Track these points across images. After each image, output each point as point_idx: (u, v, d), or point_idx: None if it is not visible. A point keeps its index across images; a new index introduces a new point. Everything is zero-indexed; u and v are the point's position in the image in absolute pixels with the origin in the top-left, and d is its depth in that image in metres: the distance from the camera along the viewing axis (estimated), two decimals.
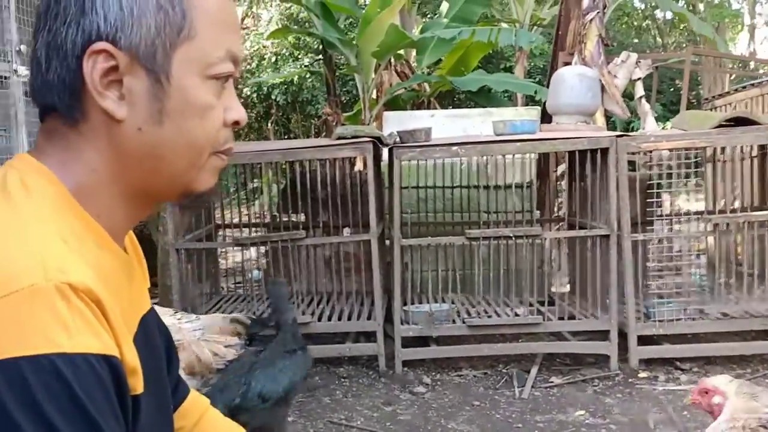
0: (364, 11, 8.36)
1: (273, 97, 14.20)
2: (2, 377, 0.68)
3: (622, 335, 4.63)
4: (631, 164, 5.81)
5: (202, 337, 2.91)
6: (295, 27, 11.61)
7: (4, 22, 4.05)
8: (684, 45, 21.13)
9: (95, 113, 0.82)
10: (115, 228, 0.87)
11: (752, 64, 15.34)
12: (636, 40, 19.66)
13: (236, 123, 0.90)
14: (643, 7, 19.43)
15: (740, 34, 22.07)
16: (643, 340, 4.65)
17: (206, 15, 0.84)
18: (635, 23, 20.78)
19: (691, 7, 17.26)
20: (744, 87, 6.38)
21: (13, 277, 0.71)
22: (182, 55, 0.83)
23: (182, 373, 2.74)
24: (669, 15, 19.99)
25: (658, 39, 20.88)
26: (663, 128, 8.75)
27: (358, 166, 7.69)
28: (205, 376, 2.81)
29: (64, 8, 0.81)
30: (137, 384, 0.81)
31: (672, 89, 17.69)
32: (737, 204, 5.33)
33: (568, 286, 5.70)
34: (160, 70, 0.82)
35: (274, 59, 14.01)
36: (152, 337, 0.98)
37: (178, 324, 2.90)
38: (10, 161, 0.87)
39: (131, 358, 0.80)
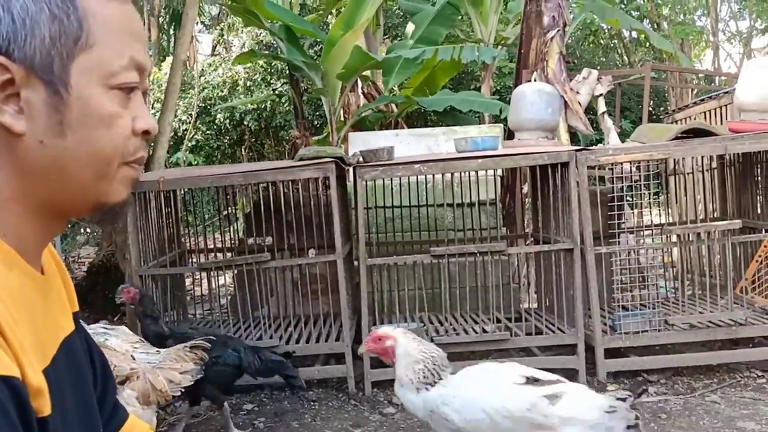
0: (327, 34, 8.41)
1: (245, 122, 14.19)
2: None
3: (590, 349, 4.65)
4: (599, 179, 5.88)
5: (157, 365, 2.86)
6: (265, 51, 11.62)
7: None
8: (651, 61, 21.49)
9: None
10: (25, 247, 0.84)
11: (717, 80, 15.64)
12: (603, 59, 19.92)
13: (146, 132, 0.88)
14: (608, 26, 19.75)
15: (705, 52, 22.50)
16: (611, 353, 4.66)
17: (105, 23, 0.83)
18: (602, 42, 21.08)
19: (655, 26, 17.55)
20: (702, 100, 6.48)
21: None
22: (81, 65, 0.81)
23: (137, 403, 2.71)
24: (635, 34, 20.34)
25: (625, 57, 21.19)
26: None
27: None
28: (161, 404, 2.77)
29: None
30: (43, 406, 0.78)
31: (640, 106, 17.91)
32: (700, 215, 5.38)
33: (536, 302, 5.72)
34: (58, 81, 0.80)
35: (246, 85, 14.02)
36: (76, 360, 0.94)
37: (132, 352, 2.87)
38: None
39: (36, 379, 0.77)
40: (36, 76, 0.80)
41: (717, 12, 20.60)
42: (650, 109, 9.26)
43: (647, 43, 20.51)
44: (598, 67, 14.67)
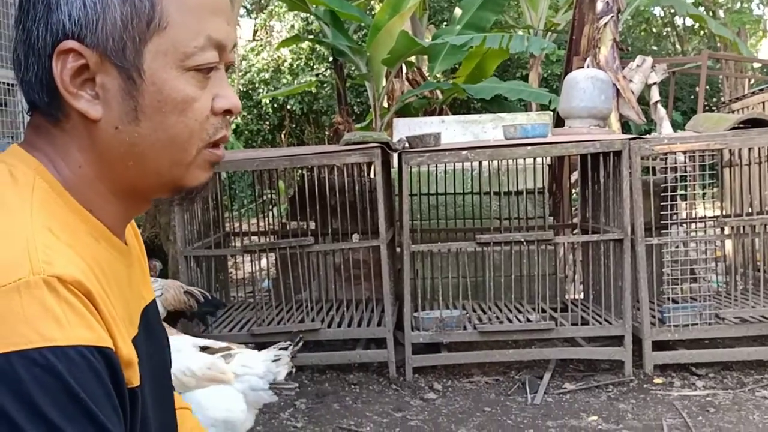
0: (373, 19, 8.35)
1: (288, 106, 14.20)
2: None
3: (637, 341, 4.55)
4: (647, 169, 5.75)
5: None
6: (309, 36, 11.62)
7: (10, 29, 4.07)
8: (703, 51, 20.97)
9: (74, 112, 0.79)
10: (112, 222, 0.85)
11: None
12: (655, 47, 19.52)
13: (228, 111, 0.85)
14: (662, 14, 19.31)
15: (762, 41, 21.87)
16: (658, 346, 4.56)
17: (179, 2, 0.79)
18: (654, 30, 20.64)
19: (711, 14, 17.10)
20: (761, 90, 6.27)
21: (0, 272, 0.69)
22: (155, 48, 0.78)
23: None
24: (689, 22, 19.86)
25: (678, 46, 20.72)
26: None
27: (372, 173, 7.65)
28: None
29: (34, 5, 0.78)
30: (133, 377, 0.79)
31: (692, 96, 17.52)
32: (756, 208, 5.22)
33: (582, 293, 5.62)
34: (131, 66, 0.78)
35: (291, 68, 14.03)
36: (154, 328, 0.96)
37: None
38: (0, 155, 0.84)
39: (126, 351, 0.77)
40: (110, 61, 0.78)
41: None
42: (706, 100, 9.02)
43: (701, 32, 20.05)
44: (650, 56, 14.36)
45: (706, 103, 8.57)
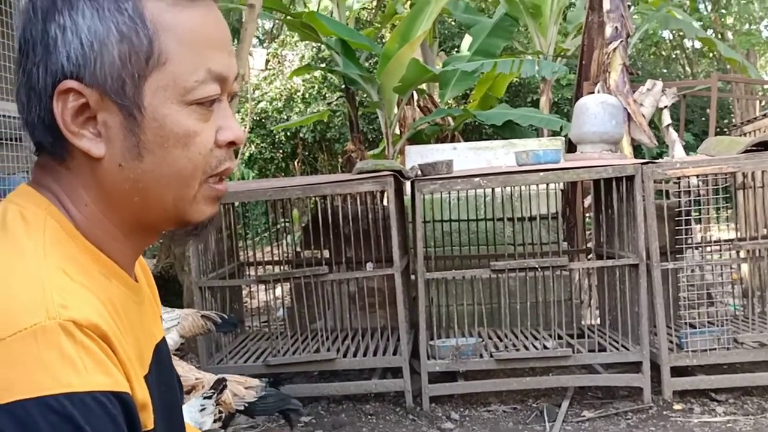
0: (383, 47, 8.42)
1: (301, 134, 14.27)
2: (11, 421, 0.65)
3: (655, 367, 4.51)
4: (660, 193, 5.74)
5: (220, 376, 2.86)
6: (321, 65, 11.71)
7: (11, 60, 4.11)
8: (713, 73, 20.99)
9: (78, 151, 0.80)
10: (121, 258, 0.85)
11: None
12: (665, 70, 19.53)
13: (231, 143, 0.84)
14: (671, 37, 19.36)
15: None
16: (677, 371, 4.52)
17: (177, 37, 0.79)
18: (663, 53, 20.67)
19: (719, 36, 17.14)
20: None
21: (15, 316, 0.69)
22: (154, 84, 0.79)
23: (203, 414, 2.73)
24: (698, 44, 19.89)
25: (687, 68, 20.73)
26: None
27: (385, 200, 7.67)
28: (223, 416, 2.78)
29: (33, 47, 0.79)
30: (148, 420, 0.79)
31: (703, 118, 17.50)
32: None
33: (599, 318, 5.58)
34: (131, 103, 0.78)
35: (303, 97, 14.13)
36: (166, 366, 0.96)
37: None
38: (9, 196, 0.85)
39: (142, 394, 0.78)
40: (110, 99, 0.78)
41: None
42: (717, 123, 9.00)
43: (710, 54, 20.08)
44: (660, 79, 14.39)
45: (717, 126, 8.56)
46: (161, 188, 0.81)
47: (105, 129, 0.79)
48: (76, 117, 0.78)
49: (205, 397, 2.68)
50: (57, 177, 0.82)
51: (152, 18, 0.78)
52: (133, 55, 0.78)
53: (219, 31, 0.83)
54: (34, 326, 0.68)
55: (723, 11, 19.23)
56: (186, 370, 2.84)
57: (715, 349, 4.43)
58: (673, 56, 21.18)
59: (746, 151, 4.45)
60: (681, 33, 15.70)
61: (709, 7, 18.06)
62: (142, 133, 0.79)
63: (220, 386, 2.71)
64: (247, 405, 2.89)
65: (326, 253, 5.66)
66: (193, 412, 2.64)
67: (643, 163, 4.47)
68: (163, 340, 0.96)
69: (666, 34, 19.11)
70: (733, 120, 12.40)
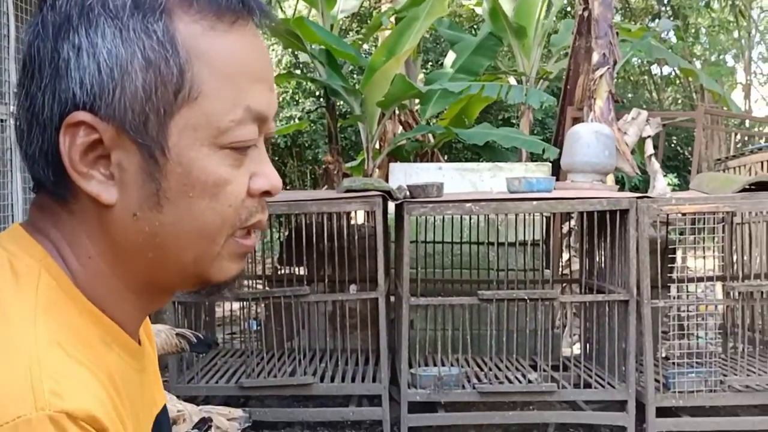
0: (368, 59, 8.27)
1: (273, 139, 14.12)
2: None
3: (639, 406, 4.42)
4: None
5: (204, 408, 2.69)
6: (298, 72, 11.53)
7: (2, 62, 3.89)
8: (680, 101, 21.32)
9: (84, 194, 0.66)
10: (126, 320, 0.71)
11: (747, 123, 15.39)
12: (631, 95, 19.78)
13: (266, 193, 0.70)
14: (639, 62, 19.62)
15: (734, 93, 22.32)
16: (661, 412, 4.43)
17: (214, 67, 0.65)
18: (632, 78, 20.94)
19: (688, 63, 17.39)
20: (760, 149, 6.26)
21: None
22: (182, 122, 0.64)
23: None
24: (666, 71, 20.17)
25: (654, 95, 21.02)
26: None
27: (359, 219, 7.52)
28: None
29: (39, 67, 0.65)
30: None
31: (679, 150, 17.78)
32: (756, 268, 5.16)
33: (579, 349, 5.49)
34: (154, 143, 0.64)
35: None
36: None
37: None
38: (0, 238, 0.70)
39: None
40: (128, 136, 0.64)
41: (750, 54, 20.43)
42: (689, 155, 9.04)
43: (677, 81, 20.37)
44: (627, 104, 14.50)
45: (689, 158, 8.60)
46: (181, 244, 0.67)
47: (119, 171, 0.65)
48: (85, 155, 0.64)
49: None
50: (57, 221, 0.68)
51: (185, 44, 0.64)
52: (161, 87, 0.64)
53: (261, 62, 0.69)
54: (18, 419, 0.55)
55: (690, 40, 19.55)
56: (167, 401, 2.66)
57: (701, 390, 4.36)
58: (641, 81, 21.45)
59: (742, 190, 4.40)
60: (650, 59, 15.89)
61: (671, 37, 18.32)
62: (164, 179, 0.65)
63: (204, 426, 2.53)
64: None
65: (304, 270, 5.49)
66: None
67: (638, 197, 4.39)
68: (164, 409, 0.83)
69: (635, 59, 19.37)
70: (704, 152, 12.53)
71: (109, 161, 0.65)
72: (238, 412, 2.82)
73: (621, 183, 8.88)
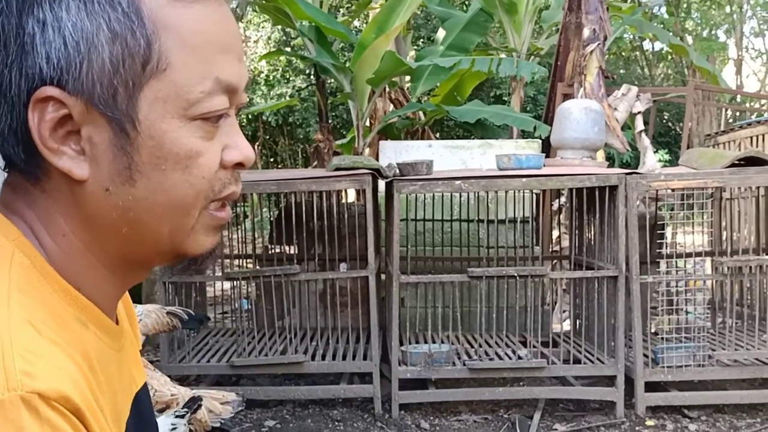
0: (359, 37, 8.22)
1: (264, 117, 14.02)
2: None
3: (628, 381, 4.45)
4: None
5: (197, 392, 2.69)
6: (288, 50, 11.45)
7: None
8: (671, 76, 21.31)
9: (56, 171, 0.65)
10: (102, 298, 0.70)
11: (738, 98, 15.38)
12: (623, 71, 19.72)
13: (239, 164, 0.70)
14: (631, 37, 19.56)
15: (726, 68, 22.27)
16: (650, 386, 4.47)
17: (181, 38, 0.64)
18: (623, 54, 20.87)
19: (679, 40, 17.34)
20: (749, 124, 6.26)
21: None
22: (152, 95, 0.64)
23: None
24: (657, 47, 20.12)
25: (646, 71, 20.97)
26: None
27: (351, 197, 7.50)
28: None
29: (5, 44, 0.63)
30: None
31: (670, 124, 17.79)
32: (744, 244, 5.17)
33: (569, 326, 5.52)
34: (124, 116, 0.64)
35: (267, 80, 13.86)
36: (145, 418, 0.82)
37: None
38: None
39: None
40: (97, 110, 0.64)
41: (742, 29, 20.40)
42: (680, 131, 9.03)
43: (669, 57, 20.32)
44: (619, 79, 14.47)
45: (680, 133, 8.60)
46: (155, 218, 0.68)
47: (90, 146, 0.65)
48: (55, 131, 0.64)
49: (177, 416, 2.51)
50: (30, 201, 0.68)
51: (151, 15, 0.64)
52: (128, 59, 0.63)
53: (229, 32, 0.69)
54: None
55: (682, 15, 19.47)
56: (161, 384, 2.66)
57: (690, 365, 4.39)
58: (633, 57, 21.39)
59: (731, 166, 4.41)
60: (642, 35, 15.82)
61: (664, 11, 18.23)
62: (136, 152, 0.65)
63: (194, 405, 2.53)
64: (222, 422, 2.73)
65: (294, 249, 5.48)
66: (164, 431, 2.46)
67: (627, 174, 4.39)
68: (144, 387, 0.83)
69: (626, 34, 19.28)
70: (695, 127, 12.52)
71: (79, 136, 0.64)
72: (231, 396, 2.81)
73: (611, 159, 8.88)
